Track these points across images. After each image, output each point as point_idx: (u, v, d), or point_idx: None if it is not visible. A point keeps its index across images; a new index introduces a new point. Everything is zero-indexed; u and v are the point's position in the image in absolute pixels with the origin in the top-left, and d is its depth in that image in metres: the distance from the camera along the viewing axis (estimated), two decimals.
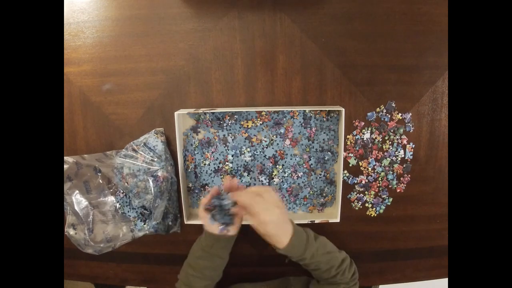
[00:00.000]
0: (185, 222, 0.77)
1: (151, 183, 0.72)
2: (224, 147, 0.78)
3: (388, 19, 0.73)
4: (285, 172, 0.79)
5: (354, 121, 0.77)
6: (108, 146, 0.80)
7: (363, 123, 0.77)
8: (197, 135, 0.79)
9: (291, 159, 0.79)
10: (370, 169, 0.79)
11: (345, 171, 0.79)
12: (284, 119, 0.77)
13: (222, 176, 0.80)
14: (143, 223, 0.80)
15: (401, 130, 0.77)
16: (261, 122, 0.77)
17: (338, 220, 0.77)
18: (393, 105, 0.77)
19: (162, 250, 0.85)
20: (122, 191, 0.80)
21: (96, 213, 0.81)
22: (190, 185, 0.81)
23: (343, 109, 0.71)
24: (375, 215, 0.82)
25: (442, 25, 0.73)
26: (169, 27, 0.75)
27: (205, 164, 0.79)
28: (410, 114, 0.77)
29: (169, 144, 0.79)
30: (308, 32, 0.74)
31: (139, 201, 0.75)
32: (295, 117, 0.77)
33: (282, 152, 0.78)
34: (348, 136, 0.78)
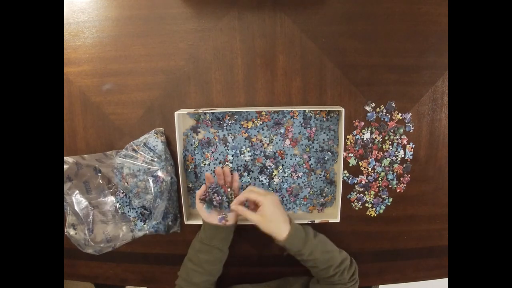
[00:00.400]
0: (185, 222, 0.77)
1: (151, 183, 0.72)
2: (224, 147, 0.78)
3: (388, 19, 0.73)
4: (285, 172, 0.79)
5: (354, 121, 0.77)
6: (108, 146, 0.80)
7: (363, 123, 0.77)
8: (197, 135, 0.79)
9: (291, 159, 0.79)
10: (370, 169, 0.79)
11: (345, 171, 0.79)
12: (284, 119, 0.77)
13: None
14: (143, 223, 0.80)
15: (401, 130, 0.77)
16: (261, 122, 0.77)
17: (338, 220, 0.77)
18: (393, 105, 0.77)
19: (162, 250, 0.85)
20: (122, 191, 0.80)
21: (96, 213, 0.81)
22: (190, 185, 0.81)
23: (343, 109, 0.71)
24: (375, 215, 0.82)
25: (442, 25, 0.73)
26: (169, 27, 0.75)
27: (205, 164, 0.79)
28: (410, 114, 0.77)
29: (169, 144, 0.79)
30: (308, 32, 0.74)
31: (139, 201, 0.75)
32: (295, 117, 0.77)
33: (282, 152, 0.78)
34: (348, 136, 0.78)
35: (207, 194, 0.70)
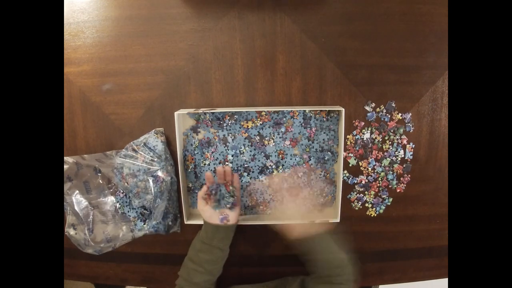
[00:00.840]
0: (185, 222, 0.77)
1: (151, 183, 0.72)
2: (224, 147, 0.78)
3: (388, 19, 0.73)
4: (285, 172, 0.79)
5: (354, 121, 0.77)
6: (108, 146, 0.80)
7: (363, 123, 0.77)
8: (197, 135, 0.79)
9: (291, 159, 0.79)
10: (370, 169, 0.79)
11: (345, 171, 0.79)
12: (284, 119, 0.77)
13: None
14: (143, 223, 0.80)
15: (401, 130, 0.77)
16: (261, 122, 0.77)
17: (338, 220, 0.77)
18: (393, 105, 0.77)
19: (162, 250, 0.85)
20: (122, 191, 0.80)
21: (96, 213, 0.81)
22: (190, 185, 0.81)
23: (343, 109, 0.71)
24: (375, 215, 0.82)
25: (442, 25, 0.73)
26: (169, 27, 0.75)
27: (205, 164, 0.79)
28: (410, 114, 0.77)
29: (169, 144, 0.79)
30: (308, 32, 0.74)
31: (139, 201, 0.75)
32: (295, 117, 0.77)
33: (282, 152, 0.78)
34: (348, 136, 0.78)
35: (209, 194, 0.70)
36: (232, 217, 0.71)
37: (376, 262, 0.85)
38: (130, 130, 0.80)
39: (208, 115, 0.77)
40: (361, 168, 0.79)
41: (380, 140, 0.78)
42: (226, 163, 0.79)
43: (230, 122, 0.77)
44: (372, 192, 0.81)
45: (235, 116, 0.77)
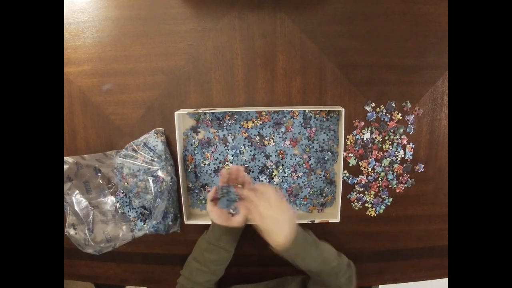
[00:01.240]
0: (185, 222, 0.77)
1: (151, 183, 0.72)
2: (224, 147, 0.78)
3: (388, 19, 0.73)
4: (285, 172, 0.79)
5: (354, 121, 0.77)
6: (108, 146, 0.80)
7: (363, 123, 0.77)
8: (197, 135, 0.79)
9: (291, 159, 0.79)
10: (370, 169, 0.79)
11: (345, 171, 0.79)
12: (284, 119, 0.77)
13: None
14: (143, 223, 0.80)
15: (401, 130, 0.77)
16: (261, 122, 0.77)
17: (338, 220, 0.77)
18: (393, 105, 0.77)
19: (162, 250, 0.85)
20: (122, 191, 0.80)
21: (96, 213, 0.81)
22: (190, 185, 0.81)
23: (343, 109, 0.71)
24: (375, 215, 0.82)
25: (442, 25, 0.73)
26: (169, 27, 0.75)
27: (205, 164, 0.79)
28: (413, 116, 0.77)
29: (169, 144, 0.79)
30: (308, 32, 0.74)
31: (139, 201, 0.75)
32: (295, 117, 0.77)
33: (282, 152, 0.78)
34: (348, 136, 0.78)
35: (216, 196, 0.68)
36: (240, 218, 0.70)
37: (376, 262, 0.85)
38: (130, 130, 0.80)
39: (208, 115, 0.77)
40: (361, 168, 0.79)
41: (380, 140, 0.78)
42: (226, 163, 0.79)
43: (230, 122, 0.77)
44: (372, 192, 0.81)
45: (235, 116, 0.77)
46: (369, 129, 0.78)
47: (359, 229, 0.83)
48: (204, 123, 0.78)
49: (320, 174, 0.80)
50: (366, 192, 0.81)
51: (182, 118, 0.78)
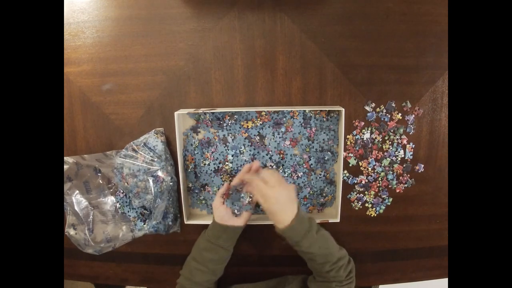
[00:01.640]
0: (185, 222, 0.77)
1: (151, 183, 0.72)
2: (224, 147, 0.78)
3: (388, 19, 0.73)
4: (285, 172, 0.79)
5: (354, 121, 0.77)
6: (108, 146, 0.80)
7: (363, 123, 0.77)
8: (197, 135, 0.79)
9: (291, 159, 0.79)
10: (370, 169, 0.79)
11: (345, 171, 0.79)
12: (284, 119, 0.77)
13: (222, 176, 0.80)
14: (143, 223, 0.80)
15: (401, 130, 0.77)
16: (261, 122, 0.77)
17: (338, 220, 0.77)
18: (393, 105, 0.77)
19: (162, 250, 0.85)
20: (122, 191, 0.80)
21: (96, 213, 0.81)
22: (190, 185, 0.81)
23: (343, 109, 0.71)
24: (375, 215, 0.82)
25: (442, 25, 0.73)
26: (169, 27, 0.75)
27: (205, 164, 0.79)
28: (413, 116, 0.77)
29: (169, 144, 0.79)
30: (308, 32, 0.74)
31: (139, 201, 0.75)
32: (295, 117, 0.77)
33: (282, 152, 0.78)
34: (348, 136, 0.78)
35: (228, 193, 0.71)
36: (243, 218, 0.71)
37: (376, 262, 0.85)
38: (130, 130, 0.80)
39: (208, 115, 0.77)
40: (361, 168, 0.79)
41: (380, 140, 0.78)
42: (226, 163, 0.79)
43: (230, 122, 0.77)
44: (372, 192, 0.81)
45: (235, 116, 0.77)
46: (369, 129, 0.78)
47: (359, 229, 0.83)
48: (204, 123, 0.78)
49: (320, 174, 0.80)
50: (366, 192, 0.81)
51: (182, 118, 0.78)
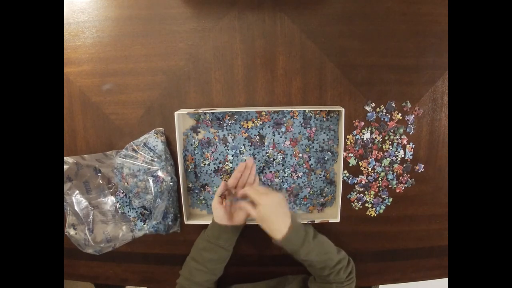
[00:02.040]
0: (185, 222, 0.77)
1: (151, 183, 0.72)
2: (224, 147, 0.78)
3: (388, 19, 0.73)
4: (285, 172, 0.79)
5: (354, 121, 0.77)
6: (108, 146, 0.80)
7: (363, 123, 0.77)
8: (197, 135, 0.79)
9: (291, 159, 0.79)
10: (370, 169, 0.79)
11: (345, 171, 0.79)
12: (284, 119, 0.77)
13: (222, 176, 0.80)
14: (143, 223, 0.80)
15: (401, 130, 0.77)
16: (261, 122, 0.77)
17: (338, 220, 0.77)
18: (393, 105, 0.77)
19: (162, 250, 0.85)
20: (122, 191, 0.80)
21: (96, 213, 0.81)
22: (190, 185, 0.81)
23: (343, 109, 0.71)
24: (375, 215, 0.82)
25: (442, 25, 0.73)
26: (169, 27, 0.75)
27: (205, 164, 0.79)
28: (413, 116, 0.77)
29: (169, 144, 0.79)
30: (308, 32, 0.74)
31: (139, 201, 0.75)
32: (295, 117, 0.77)
33: (282, 152, 0.78)
34: (348, 136, 0.78)
35: (224, 194, 0.71)
36: (241, 217, 0.70)
37: (376, 262, 0.85)
38: (130, 130, 0.80)
39: (208, 115, 0.77)
40: (361, 168, 0.79)
41: (380, 140, 0.78)
42: (226, 163, 0.79)
43: (230, 122, 0.77)
44: (372, 192, 0.81)
45: (235, 116, 0.77)
46: (369, 129, 0.78)
47: (359, 229, 0.83)
48: (204, 123, 0.78)
49: (320, 174, 0.80)
50: (366, 192, 0.81)
51: (182, 118, 0.78)
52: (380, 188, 0.81)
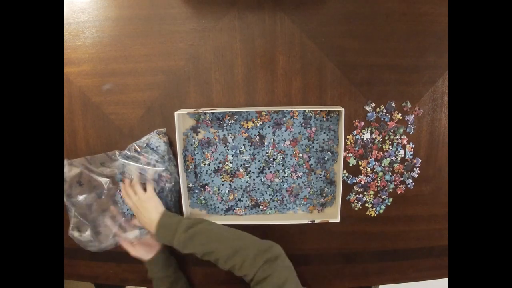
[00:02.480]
0: None
1: (153, 183, 0.72)
2: (224, 147, 0.78)
3: (388, 19, 0.73)
4: (285, 172, 0.79)
5: (354, 121, 0.77)
6: (109, 146, 0.80)
7: (363, 123, 0.77)
8: (197, 135, 0.79)
9: (291, 159, 0.79)
10: (369, 169, 0.79)
11: (345, 171, 0.79)
12: (284, 119, 0.77)
13: (222, 176, 0.80)
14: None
15: (401, 130, 0.77)
16: (261, 122, 0.77)
17: (338, 220, 0.76)
18: (393, 105, 0.77)
19: None
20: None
21: (99, 214, 0.80)
22: (190, 185, 0.81)
23: (343, 109, 0.71)
24: (375, 215, 0.82)
25: (442, 25, 0.73)
26: (169, 27, 0.75)
27: (205, 164, 0.79)
28: (413, 116, 0.77)
29: (169, 144, 0.79)
30: (308, 32, 0.74)
31: None
32: (295, 117, 0.77)
33: (282, 152, 0.78)
34: (348, 136, 0.78)
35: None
36: (148, 238, 0.77)
37: (376, 262, 0.85)
38: (130, 130, 0.80)
39: (208, 115, 0.77)
40: (360, 168, 0.79)
41: (380, 140, 0.78)
42: (226, 163, 0.79)
43: (230, 122, 0.77)
44: (372, 192, 0.81)
45: (235, 116, 0.77)
46: (369, 129, 0.78)
47: (359, 229, 0.83)
48: (204, 123, 0.78)
49: (320, 174, 0.80)
50: (366, 192, 0.81)
51: (182, 118, 0.78)
52: (379, 188, 0.81)
